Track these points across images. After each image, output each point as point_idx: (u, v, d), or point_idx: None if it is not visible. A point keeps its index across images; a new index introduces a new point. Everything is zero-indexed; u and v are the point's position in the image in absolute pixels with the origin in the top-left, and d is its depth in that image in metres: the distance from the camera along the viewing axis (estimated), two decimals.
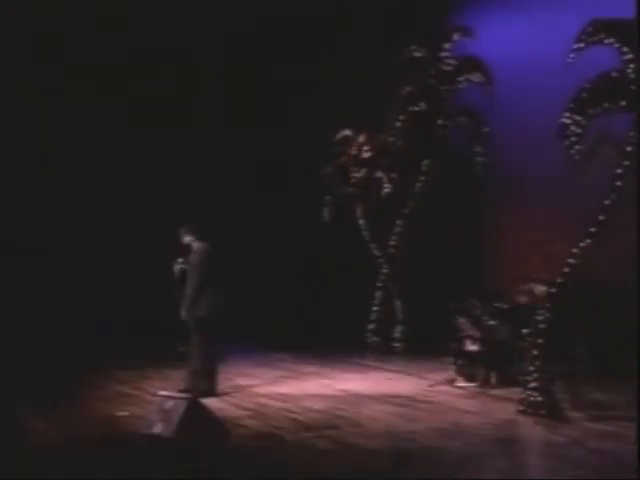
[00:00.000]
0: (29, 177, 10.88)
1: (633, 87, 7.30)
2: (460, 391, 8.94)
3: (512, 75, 10.84)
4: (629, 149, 7.45)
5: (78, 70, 11.02)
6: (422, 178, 11.73)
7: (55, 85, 10.86)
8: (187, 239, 8.63)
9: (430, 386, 9.16)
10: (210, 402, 7.65)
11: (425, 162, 11.68)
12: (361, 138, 11.72)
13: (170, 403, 6.74)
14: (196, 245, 8.60)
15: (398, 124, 11.47)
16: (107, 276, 11.44)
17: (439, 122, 11.41)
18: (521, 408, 7.69)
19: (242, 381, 9.43)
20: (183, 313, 8.50)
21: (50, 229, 10.96)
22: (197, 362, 8.50)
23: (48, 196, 11.03)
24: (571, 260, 7.58)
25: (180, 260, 8.61)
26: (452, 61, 11.20)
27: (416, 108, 11.32)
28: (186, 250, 8.66)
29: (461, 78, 11.05)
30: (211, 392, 8.45)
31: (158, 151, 11.49)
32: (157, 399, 7.00)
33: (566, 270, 7.60)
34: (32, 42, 10.84)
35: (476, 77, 10.86)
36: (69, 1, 10.90)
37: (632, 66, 7.32)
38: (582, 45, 7.52)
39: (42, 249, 10.98)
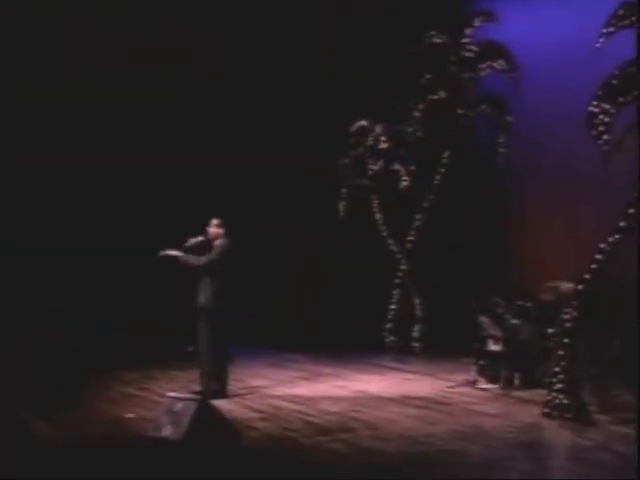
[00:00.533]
0: (29, 177, 11.16)
1: None
2: (482, 393, 8.93)
3: (537, 61, 10.80)
4: None
5: (78, 70, 11.34)
6: (442, 170, 11.71)
7: (55, 85, 11.18)
8: (215, 230, 8.63)
9: (450, 387, 9.16)
10: (221, 404, 7.68)
11: (445, 153, 11.67)
12: (378, 128, 11.73)
13: (179, 405, 6.77)
14: (221, 240, 8.60)
15: (417, 114, 11.45)
16: (108, 276, 11.65)
17: (460, 111, 11.40)
18: (546, 411, 7.67)
19: (254, 382, 9.46)
20: (167, 251, 8.37)
21: (50, 229, 11.22)
22: (207, 362, 8.53)
23: (48, 196, 11.33)
24: (599, 256, 7.54)
25: (200, 238, 8.55)
26: (474, 47, 11.17)
27: (436, 97, 11.30)
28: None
29: (483, 65, 11.02)
30: (222, 393, 8.48)
31: (157, 150, 11.73)
32: (165, 401, 7.03)
33: (594, 266, 7.55)
34: (32, 42, 11.14)
35: (499, 64, 10.83)
36: (69, 1, 11.24)
37: None
38: (612, 29, 7.46)
39: (42, 249, 11.17)
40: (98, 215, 11.60)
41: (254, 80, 12.20)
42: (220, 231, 8.64)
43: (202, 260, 8.51)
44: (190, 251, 8.54)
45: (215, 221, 8.65)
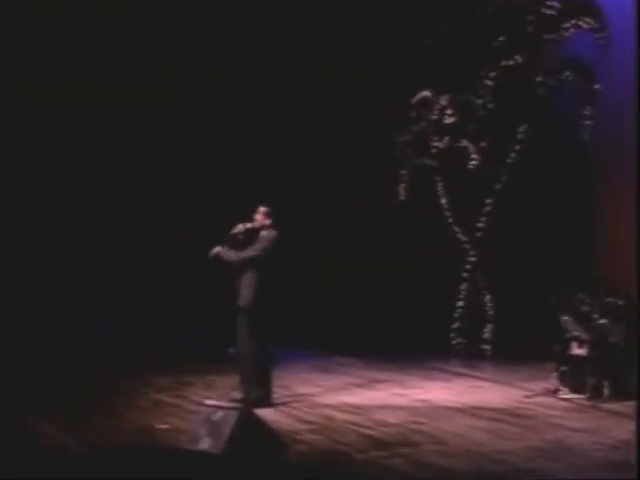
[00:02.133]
0: (29, 177, 12.07)
1: None
2: (564, 404, 8.81)
3: (631, 19, 10.55)
4: None
5: (78, 70, 12.27)
6: (517, 147, 11.60)
7: (55, 85, 12.11)
8: (261, 219, 8.63)
9: (527, 397, 9.07)
10: (265, 413, 7.71)
11: (521, 128, 11.54)
12: (443, 100, 11.68)
13: (218, 414, 6.79)
14: (267, 231, 8.63)
15: (488, 82, 11.40)
16: (113, 275, 12.42)
17: (538, 79, 11.25)
18: None
19: (301, 389, 9.51)
20: (213, 251, 8.56)
21: (50, 229, 12.05)
22: (248, 366, 8.56)
23: (48, 196, 12.22)
24: None
25: (248, 225, 8.60)
26: (556, 3, 10.99)
27: (511, 62, 11.21)
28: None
29: (567, 24, 10.85)
30: (265, 401, 8.51)
31: (156, 150, 12.55)
32: (203, 409, 7.05)
33: None
34: (32, 42, 12.03)
35: (586, 22, 10.67)
36: (69, 1, 12.19)
37: None
38: None
39: (42, 249, 12.01)
40: (98, 215, 12.41)
41: (254, 79, 12.79)
42: (267, 221, 8.65)
43: (243, 255, 8.54)
44: (234, 239, 8.59)
45: (262, 209, 8.69)
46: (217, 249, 8.60)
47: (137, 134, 12.48)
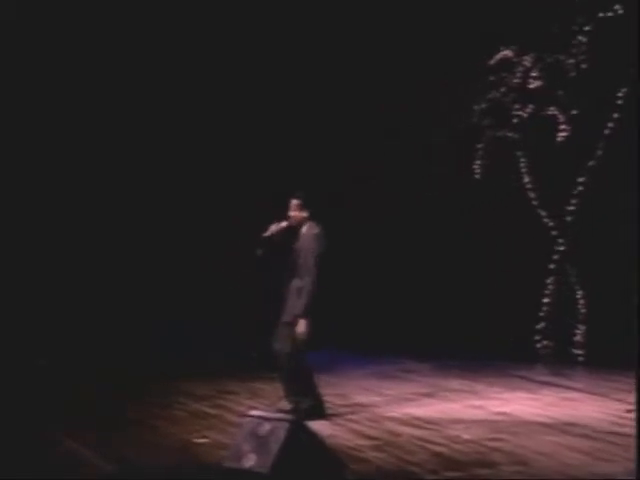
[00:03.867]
0: (29, 177, 12.95)
1: None
2: None
3: None
4: None
5: (78, 70, 13.15)
6: (615, 116, 11.49)
7: (55, 85, 13.01)
8: (297, 214, 8.62)
9: (628, 411, 8.92)
10: (318, 426, 7.69)
11: (620, 92, 11.42)
12: (527, 61, 11.65)
13: (266, 427, 6.80)
14: (308, 226, 8.62)
15: (581, 38, 11.31)
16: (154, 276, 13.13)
17: None
18: None
19: (362, 399, 9.53)
20: (290, 315, 8.51)
21: (52, 229, 12.90)
22: (287, 372, 8.59)
23: (48, 196, 13.12)
24: None
25: (283, 224, 8.61)
26: None
27: (609, 13, 11.09)
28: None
29: None
30: (318, 412, 8.52)
31: (155, 151, 13.42)
32: (247, 421, 7.07)
33: None
34: (32, 42, 12.91)
35: None
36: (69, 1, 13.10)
37: None
38: None
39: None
40: (97, 215, 13.24)
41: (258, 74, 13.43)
42: (303, 214, 8.63)
43: (307, 280, 8.41)
44: (270, 241, 8.60)
45: (295, 201, 8.65)
46: (303, 327, 8.38)
47: (137, 134, 13.33)
